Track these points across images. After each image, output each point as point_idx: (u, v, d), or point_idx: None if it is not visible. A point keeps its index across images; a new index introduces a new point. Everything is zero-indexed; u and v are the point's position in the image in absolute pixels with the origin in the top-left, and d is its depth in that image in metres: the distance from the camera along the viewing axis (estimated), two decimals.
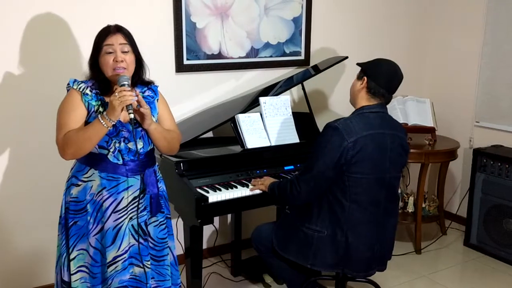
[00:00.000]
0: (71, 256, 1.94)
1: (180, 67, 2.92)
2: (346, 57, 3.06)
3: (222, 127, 2.69)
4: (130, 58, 1.90)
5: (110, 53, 1.87)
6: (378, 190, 2.16)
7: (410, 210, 3.58)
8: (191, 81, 2.98)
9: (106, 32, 1.89)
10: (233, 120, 2.63)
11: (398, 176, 2.24)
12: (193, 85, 3.00)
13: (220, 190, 2.41)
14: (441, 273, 3.16)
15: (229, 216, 3.28)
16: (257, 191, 2.43)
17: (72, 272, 1.95)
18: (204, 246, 3.16)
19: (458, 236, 3.65)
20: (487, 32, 3.56)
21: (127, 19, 2.68)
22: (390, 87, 2.17)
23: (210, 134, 2.86)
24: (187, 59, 2.94)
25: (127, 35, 1.91)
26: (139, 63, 1.98)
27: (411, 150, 3.29)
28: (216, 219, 3.23)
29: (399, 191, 3.58)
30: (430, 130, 3.46)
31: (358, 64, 2.26)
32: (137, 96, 1.86)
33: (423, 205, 3.52)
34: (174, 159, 2.43)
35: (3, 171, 2.57)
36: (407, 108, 3.50)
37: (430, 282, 3.04)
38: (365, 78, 2.17)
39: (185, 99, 2.99)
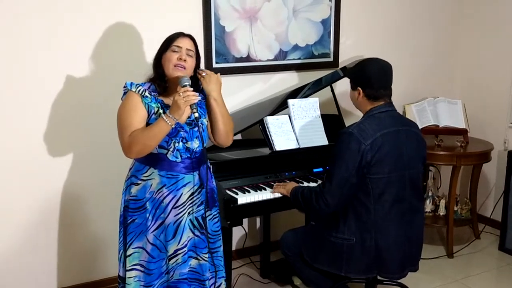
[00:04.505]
0: (128, 253, 2.05)
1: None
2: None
3: (251, 129, 2.70)
4: (191, 62, 2.04)
5: (176, 52, 2.00)
6: (400, 188, 2.16)
7: (441, 213, 3.51)
8: None
9: (178, 35, 2.04)
10: (261, 122, 2.65)
11: (419, 171, 2.24)
12: (222, 88, 3.00)
13: (249, 192, 2.43)
14: (474, 278, 3.09)
15: (257, 218, 3.30)
16: (284, 193, 2.43)
17: (127, 269, 2.05)
18: (233, 247, 3.18)
19: (493, 241, 3.56)
20: None
21: (156, 24, 2.74)
22: (385, 85, 2.20)
23: (239, 136, 2.88)
24: (216, 63, 2.98)
25: (194, 43, 2.07)
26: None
27: (442, 152, 3.27)
28: (245, 221, 3.25)
29: (430, 194, 3.54)
30: (462, 132, 3.39)
31: (345, 75, 2.27)
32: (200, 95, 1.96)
33: (455, 208, 3.44)
34: None
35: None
36: (438, 110, 3.43)
37: (463, 287, 2.98)
38: (360, 89, 2.20)
39: None
